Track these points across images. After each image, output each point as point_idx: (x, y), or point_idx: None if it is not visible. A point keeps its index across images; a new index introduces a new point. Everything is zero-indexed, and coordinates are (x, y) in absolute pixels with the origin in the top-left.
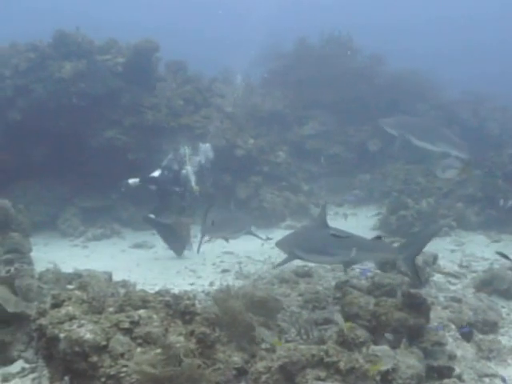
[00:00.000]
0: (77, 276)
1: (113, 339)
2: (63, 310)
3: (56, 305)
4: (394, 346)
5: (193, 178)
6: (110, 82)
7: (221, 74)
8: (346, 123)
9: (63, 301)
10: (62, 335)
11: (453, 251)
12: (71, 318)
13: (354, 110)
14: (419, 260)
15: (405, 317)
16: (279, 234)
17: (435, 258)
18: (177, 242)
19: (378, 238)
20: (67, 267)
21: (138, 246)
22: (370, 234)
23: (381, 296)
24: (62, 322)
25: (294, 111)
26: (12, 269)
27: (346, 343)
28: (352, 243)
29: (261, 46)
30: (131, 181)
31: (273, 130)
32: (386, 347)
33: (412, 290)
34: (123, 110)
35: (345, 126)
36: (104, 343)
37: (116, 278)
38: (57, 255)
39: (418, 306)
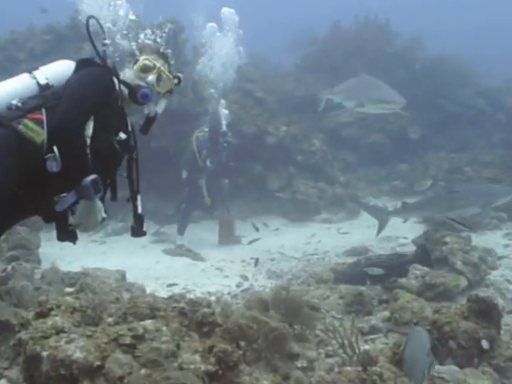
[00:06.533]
0: (83, 276)
1: (110, 358)
2: (49, 321)
3: (41, 314)
4: (463, 364)
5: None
6: None
7: (251, 59)
8: None
9: (50, 309)
10: (44, 353)
11: (506, 246)
12: (58, 331)
13: None
14: (474, 256)
15: (473, 327)
16: (313, 228)
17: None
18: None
19: None
20: (81, 265)
21: (160, 241)
22: (413, 227)
23: (433, 298)
24: (46, 337)
25: None
26: (9, 267)
27: None
28: None
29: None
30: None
31: (306, 117)
32: (453, 367)
33: (481, 293)
34: None
35: None
36: (98, 363)
37: (131, 277)
38: (71, 252)
39: (488, 313)
